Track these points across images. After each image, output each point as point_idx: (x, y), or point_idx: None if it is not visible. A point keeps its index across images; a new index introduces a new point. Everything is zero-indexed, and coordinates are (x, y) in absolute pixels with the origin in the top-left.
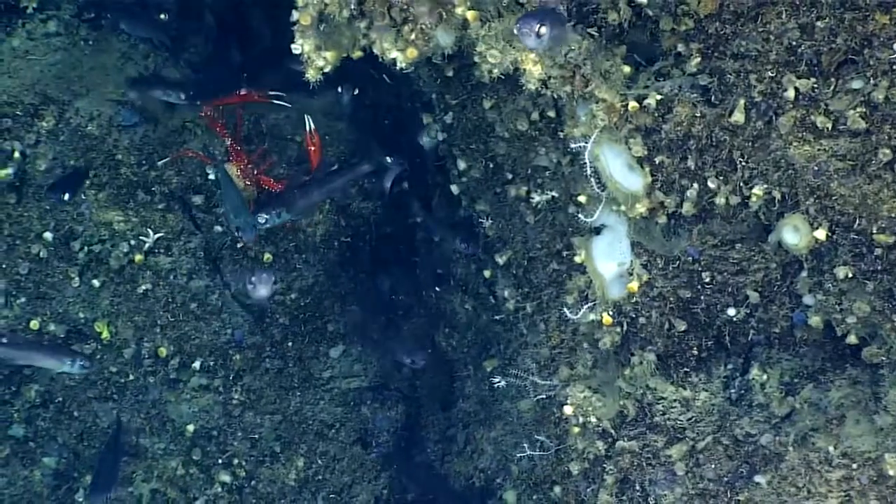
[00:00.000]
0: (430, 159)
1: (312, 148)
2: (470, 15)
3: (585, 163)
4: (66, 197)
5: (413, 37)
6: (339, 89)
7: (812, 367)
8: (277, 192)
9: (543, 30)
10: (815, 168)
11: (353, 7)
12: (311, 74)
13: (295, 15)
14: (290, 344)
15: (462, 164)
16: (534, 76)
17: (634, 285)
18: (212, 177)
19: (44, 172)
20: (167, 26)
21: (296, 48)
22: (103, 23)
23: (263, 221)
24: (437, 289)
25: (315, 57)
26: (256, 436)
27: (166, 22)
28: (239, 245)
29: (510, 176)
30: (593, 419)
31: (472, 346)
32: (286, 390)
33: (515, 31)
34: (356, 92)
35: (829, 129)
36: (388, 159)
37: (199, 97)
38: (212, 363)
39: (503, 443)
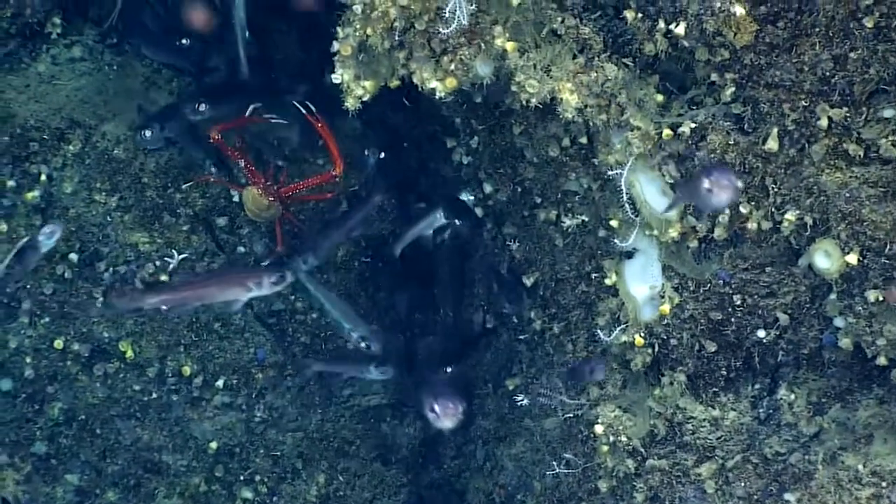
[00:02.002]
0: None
1: (320, 125)
2: (509, 46)
3: (621, 189)
4: None
5: (452, 67)
6: (366, 152)
7: (839, 387)
8: (301, 239)
9: (740, 183)
10: (847, 194)
11: (396, 39)
12: (351, 103)
13: (335, 45)
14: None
15: (488, 188)
16: (571, 105)
17: (666, 308)
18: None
19: (70, 195)
20: (189, 51)
21: (336, 78)
22: (126, 48)
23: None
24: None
25: (354, 86)
26: (278, 452)
27: (188, 47)
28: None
29: (539, 200)
30: (624, 438)
31: (491, 365)
32: (307, 408)
33: (706, 185)
34: (382, 155)
35: (861, 156)
36: (457, 221)
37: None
38: (235, 381)
39: (524, 459)
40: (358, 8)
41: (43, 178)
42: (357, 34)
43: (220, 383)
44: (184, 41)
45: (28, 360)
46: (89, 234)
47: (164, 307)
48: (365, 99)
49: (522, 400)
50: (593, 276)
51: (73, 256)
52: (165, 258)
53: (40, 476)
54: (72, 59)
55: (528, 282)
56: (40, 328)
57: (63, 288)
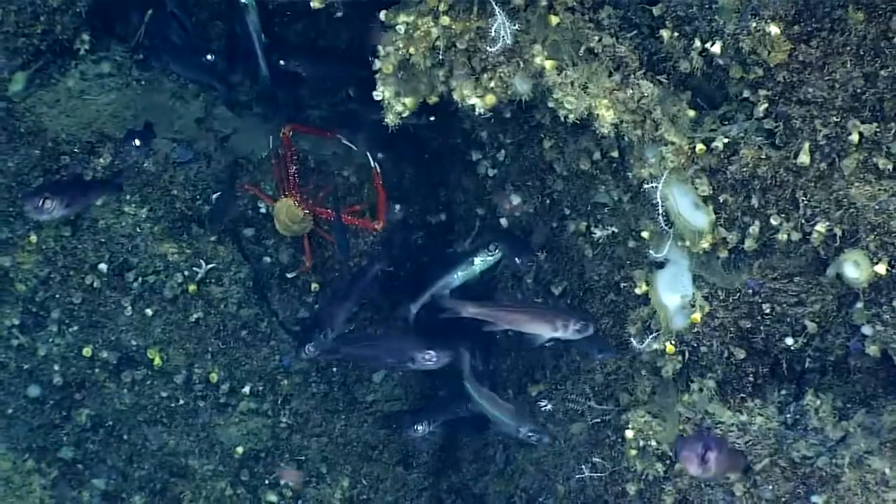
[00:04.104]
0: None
1: (379, 182)
2: (548, 64)
3: (657, 202)
4: None
5: (492, 84)
6: (397, 208)
7: (865, 392)
8: (315, 315)
9: None
10: (877, 207)
11: (440, 57)
12: (391, 120)
13: (377, 63)
14: (334, 369)
15: (515, 200)
16: (607, 121)
17: (697, 316)
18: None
19: (100, 207)
20: (215, 67)
21: (377, 95)
22: (154, 64)
23: (314, 350)
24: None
25: (394, 103)
26: (303, 457)
27: (214, 63)
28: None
29: (568, 211)
30: (653, 442)
31: (511, 371)
32: (332, 413)
33: None
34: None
35: (891, 170)
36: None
37: None
38: (261, 388)
39: (546, 463)
40: (401, 28)
41: None
42: (399, 52)
43: (246, 389)
44: (209, 57)
45: (56, 367)
46: (119, 244)
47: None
48: (405, 115)
49: (546, 405)
50: (622, 285)
51: (103, 267)
52: (194, 268)
53: (66, 481)
54: (100, 75)
55: (556, 291)
56: (69, 336)
57: (92, 297)
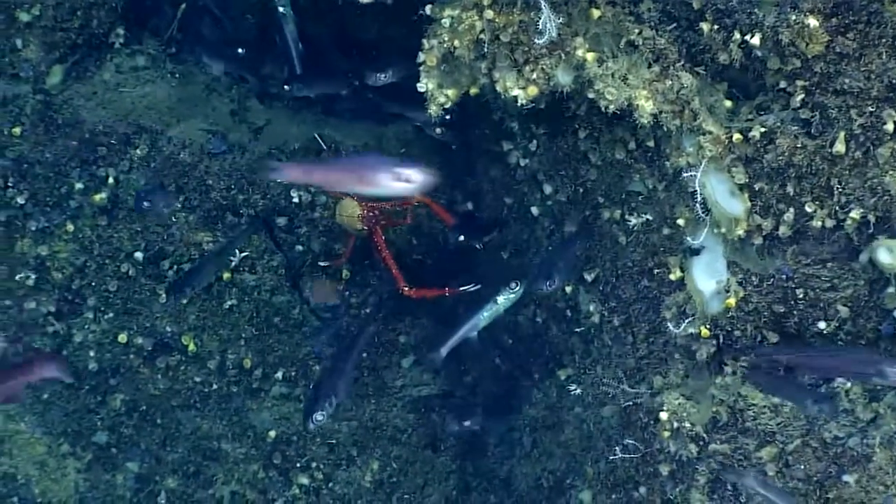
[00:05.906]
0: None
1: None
2: (589, 56)
3: (695, 190)
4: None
5: (534, 76)
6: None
7: None
8: (317, 383)
9: None
10: None
11: (484, 49)
12: (433, 110)
13: (421, 56)
14: (364, 355)
15: (548, 189)
16: (646, 111)
17: (732, 301)
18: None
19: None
20: (245, 61)
21: (421, 87)
22: (188, 57)
23: (322, 418)
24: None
25: (438, 94)
26: (334, 441)
27: (244, 56)
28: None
29: (601, 200)
30: (687, 424)
31: (537, 356)
32: (362, 398)
33: None
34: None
35: None
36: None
37: None
38: (293, 373)
39: (573, 446)
40: (446, 21)
41: (110, 180)
42: (443, 45)
43: (279, 375)
44: (240, 50)
45: (92, 353)
46: (154, 233)
47: None
48: (447, 106)
49: (575, 389)
50: (656, 272)
51: (139, 255)
52: (228, 256)
53: (101, 464)
54: (135, 68)
55: (589, 277)
56: (104, 323)
57: (127, 285)
